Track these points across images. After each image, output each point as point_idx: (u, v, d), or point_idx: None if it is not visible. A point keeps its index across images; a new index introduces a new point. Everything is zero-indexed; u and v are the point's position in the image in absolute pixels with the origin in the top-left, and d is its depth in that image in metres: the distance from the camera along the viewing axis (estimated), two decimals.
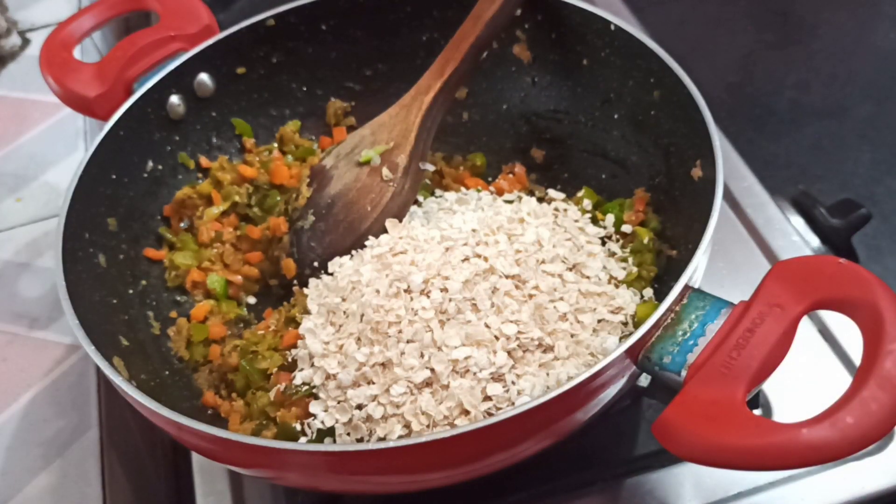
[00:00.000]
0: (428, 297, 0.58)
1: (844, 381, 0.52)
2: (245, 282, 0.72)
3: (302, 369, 0.60)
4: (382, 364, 0.56)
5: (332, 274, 0.66)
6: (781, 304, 0.47)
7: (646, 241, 0.65)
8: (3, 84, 1.01)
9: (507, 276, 0.59)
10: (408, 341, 0.56)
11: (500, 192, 0.74)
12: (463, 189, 0.75)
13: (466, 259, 0.60)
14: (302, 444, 0.55)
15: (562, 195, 0.71)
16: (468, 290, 0.58)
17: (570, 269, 0.62)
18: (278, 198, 0.74)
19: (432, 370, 0.55)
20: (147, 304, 0.68)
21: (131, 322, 0.65)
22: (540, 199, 0.71)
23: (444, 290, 0.58)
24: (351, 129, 0.80)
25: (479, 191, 0.74)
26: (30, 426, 0.69)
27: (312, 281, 0.67)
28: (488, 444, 0.48)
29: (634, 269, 0.63)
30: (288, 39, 0.76)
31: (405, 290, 0.59)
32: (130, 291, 0.67)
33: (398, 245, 0.63)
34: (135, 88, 0.71)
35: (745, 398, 0.45)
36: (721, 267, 0.73)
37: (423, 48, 0.76)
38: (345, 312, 0.60)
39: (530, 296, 0.59)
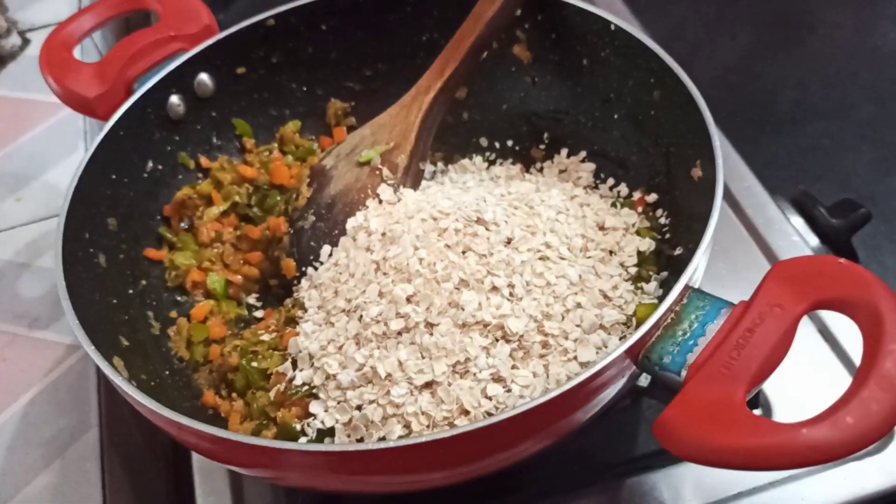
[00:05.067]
0: (425, 300, 0.58)
1: (844, 381, 0.52)
2: (245, 282, 0.72)
3: (302, 369, 0.60)
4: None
5: (322, 263, 0.67)
6: (781, 304, 0.47)
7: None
8: (3, 84, 1.01)
9: (506, 277, 0.59)
10: (410, 343, 0.56)
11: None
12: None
13: (465, 254, 0.60)
14: (302, 444, 0.55)
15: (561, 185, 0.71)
16: (467, 291, 0.58)
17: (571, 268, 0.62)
18: (278, 198, 0.74)
19: (432, 371, 0.55)
20: (147, 304, 0.68)
21: (131, 322, 0.65)
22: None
23: (439, 282, 0.58)
24: (351, 129, 0.80)
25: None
26: (30, 426, 0.69)
27: (304, 279, 0.67)
28: (488, 444, 0.48)
29: (635, 270, 0.63)
30: (288, 39, 0.76)
31: (403, 290, 0.59)
32: (130, 291, 0.67)
33: (393, 230, 0.63)
34: (135, 88, 0.71)
35: (746, 398, 0.45)
36: (721, 267, 0.73)
37: (423, 48, 0.76)
38: (343, 310, 0.60)
39: (530, 295, 0.59)
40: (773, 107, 1.03)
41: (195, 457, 0.66)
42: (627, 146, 0.71)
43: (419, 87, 0.71)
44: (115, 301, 0.64)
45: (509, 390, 0.54)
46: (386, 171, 0.69)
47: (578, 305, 0.58)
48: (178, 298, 0.71)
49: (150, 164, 0.72)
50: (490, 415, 0.53)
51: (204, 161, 0.76)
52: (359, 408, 0.56)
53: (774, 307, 0.47)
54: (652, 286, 0.62)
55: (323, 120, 0.81)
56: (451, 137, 0.78)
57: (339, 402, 0.56)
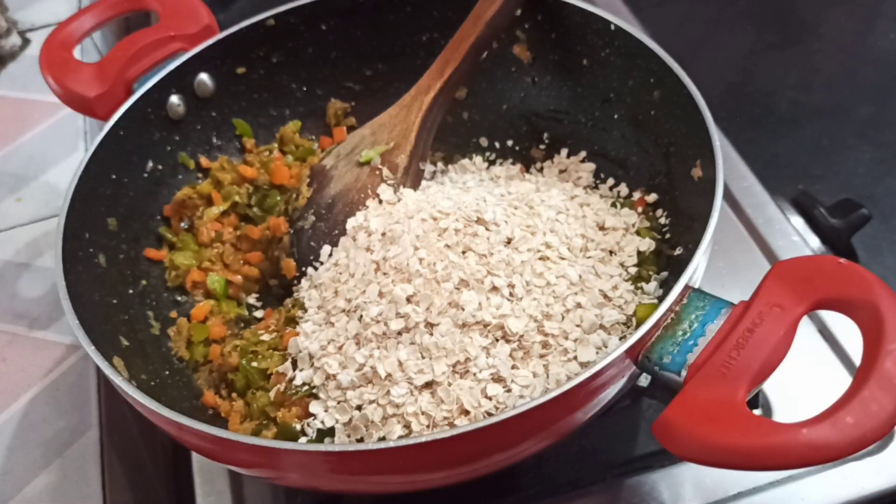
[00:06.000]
0: (425, 300, 0.58)
1: (844, 381, 0.52)
2: (245, 282, 0.72)
3: (302, 369, 0.60)
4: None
5: (322, 263, 0.66)
6: (781, 304, 0.47)
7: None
8: (3, 84, 1.01)
9: (506, 277, 0.59)
10: (410, 343, 0.56)
11: None
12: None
13: (465, 254, 0.60)
14: (302, 444, 0.55)
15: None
16: (467, 291, 0.58)
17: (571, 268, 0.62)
18: (278, 198, 0.74)
19: (432, 371, 0.55)
20: (147, 304, 0.68)
21: (131, 322, 0.65)
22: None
23: (439, 282, 0.58)
24: (351, 129, 0.80)
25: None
26: (30, 426, 0.69)
27: (304, 279, 0.67)
28: (488, 444, 0.48)
29: (635, 270, 0.63)
30: (288, 39, 0.76)
31: (403, 290, 0.59)
32: (130, 291, 0.67)
33: (393, 229, 0.63)
34: (135, 88, 0.71)
35: (746, 398, 0.45)
36: (721, 267, 0.73)
37: (423, 48, 0.76)
38: (343, 310, 0.60)
39: (530, 295, 0.59)
40: (773, 107, 1.03)
41: (195, 457, 0.66)
42: (627, 146, 0.71)
43: (419, 87, 0.71)
44: (115, 301, 0.64)
45: (509, 390, 0.54)
46: (386, 171, 0.69)
47: (578, 305, 0.58)
48: (178, 298, 0.71)
49: (150, 164, 0.72)
50: (490, 415, 0.53)
51: (204, 161, 0.76)
52: (359, 408, 0.56)
53: (774, 307, 0.47)
54: (652, 286, 0.62)
55: (323, 120, 0.81)
56: (451, 137, 0.78)
57: (339, 402, 0.56)
